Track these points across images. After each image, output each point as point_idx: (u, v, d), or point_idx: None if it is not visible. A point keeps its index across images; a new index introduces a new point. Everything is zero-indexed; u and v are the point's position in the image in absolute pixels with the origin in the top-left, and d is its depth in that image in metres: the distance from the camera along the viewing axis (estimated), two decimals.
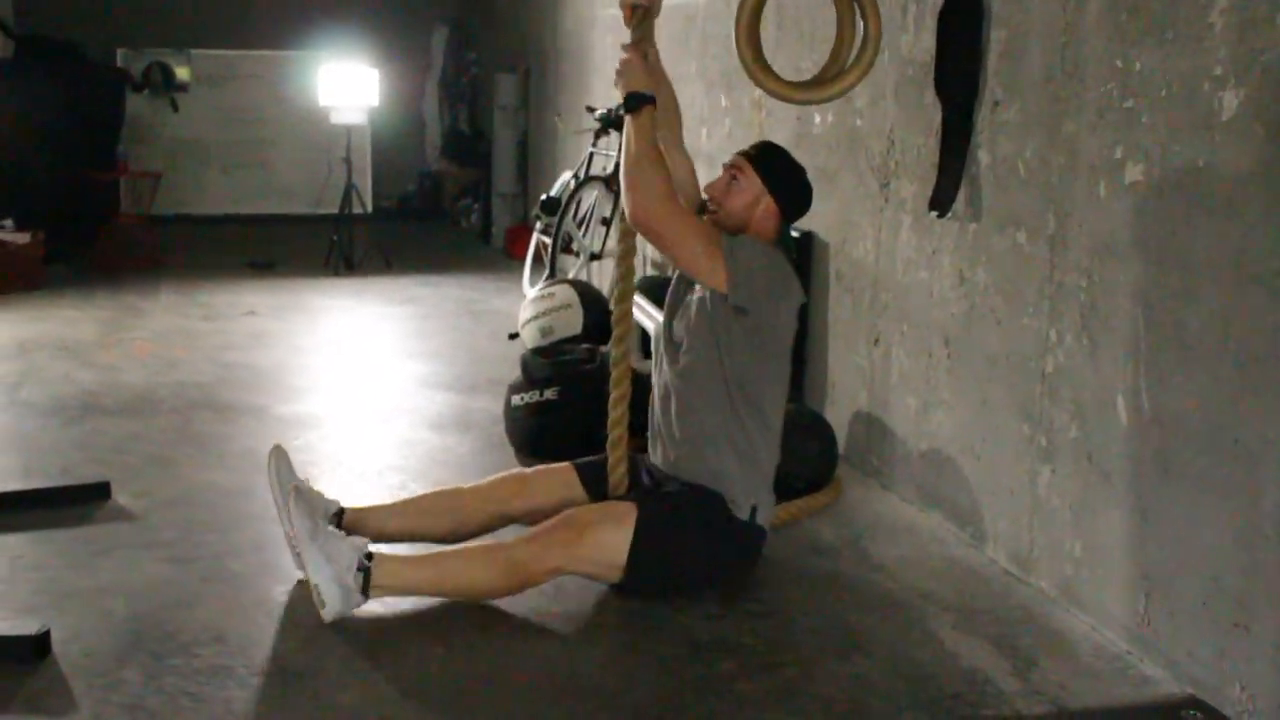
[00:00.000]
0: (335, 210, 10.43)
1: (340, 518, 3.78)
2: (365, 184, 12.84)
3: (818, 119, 5.20)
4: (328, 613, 3.42)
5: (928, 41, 4.28)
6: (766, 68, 3.47)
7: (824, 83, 3.54)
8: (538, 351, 5.44)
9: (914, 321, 4.51)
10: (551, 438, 4.96)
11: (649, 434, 3.89)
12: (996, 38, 3.97)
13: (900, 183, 4.58)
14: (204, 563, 3.91)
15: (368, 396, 6.11)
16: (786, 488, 4.46)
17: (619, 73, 3.66)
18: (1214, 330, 3.06)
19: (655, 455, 3.85)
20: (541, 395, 5.04)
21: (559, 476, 3.91)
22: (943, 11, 4.16)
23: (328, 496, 3.81)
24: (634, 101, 3.58)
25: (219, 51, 13.35)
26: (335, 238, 10.12)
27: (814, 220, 5.25)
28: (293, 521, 3.49)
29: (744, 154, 3.75)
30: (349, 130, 10.46)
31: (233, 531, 4.15)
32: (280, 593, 3.67)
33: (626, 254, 3.81)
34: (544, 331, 6.44)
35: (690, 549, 3.63)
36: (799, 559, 4.04)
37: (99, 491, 4.49)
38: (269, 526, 4.16)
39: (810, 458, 4.57)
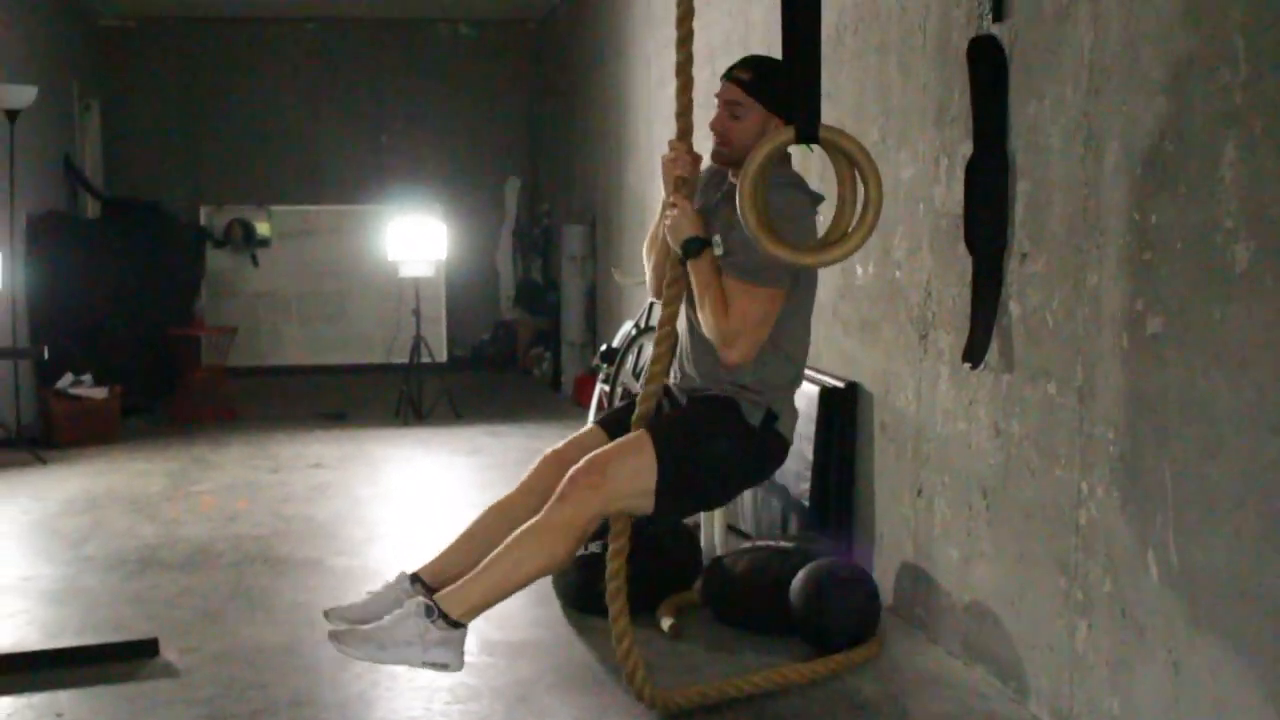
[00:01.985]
0: (406, 360, 10.61)
1: (419, 582, 3.84)
2: (439, 334, 13.06)
3: (860, 270, 5.24)
4: (454, 669, 3.59)
5: (959, 193, 4.32)
6: (773, 234, 3.51)
7: (828, 245, 3.59)
8: None
9: (954, 472, 4.49)
10: (598, 592, 4.93)
11: (676, 362, 3.99)
12: (1021, 190, 4.00)
13: (938, 333, 4.60)
14: None
15: (422, 548, 6.13)
16: (826, 643, 4.43)
17: (670, 226, 3.78)
18: (1238, 484, 3.02)
19: (675, 377, 3.95)
20: (586, 549, 5.03)
21: (591, 440, 3.96)
22: (970, 164, 4.21)
23: (389, 580, 3.89)
24: (694, 246, 3.71)
25: (298, 207, 13.75)
26: (404, 389, 10.28)
27: (859, 370, 5.28)
28: (358, 659, 3.57)
29: (736, 81, 3.76)
30: (417, 283, 10.68)
31: (272, 687, 4.18)
32: None
33: (648, 397, 3.86)
34: None
35: (710, 452, 3.75)
36: (836, 718, 3.98)
37: (147, 648, 4.55)
38: (308, 681, 4.21)
39: (851, 612, 4.51)
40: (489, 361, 14.11)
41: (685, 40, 3.77)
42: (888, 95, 4.99)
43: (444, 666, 3.54)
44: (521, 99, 14.55)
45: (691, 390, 3.90)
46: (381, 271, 12.24)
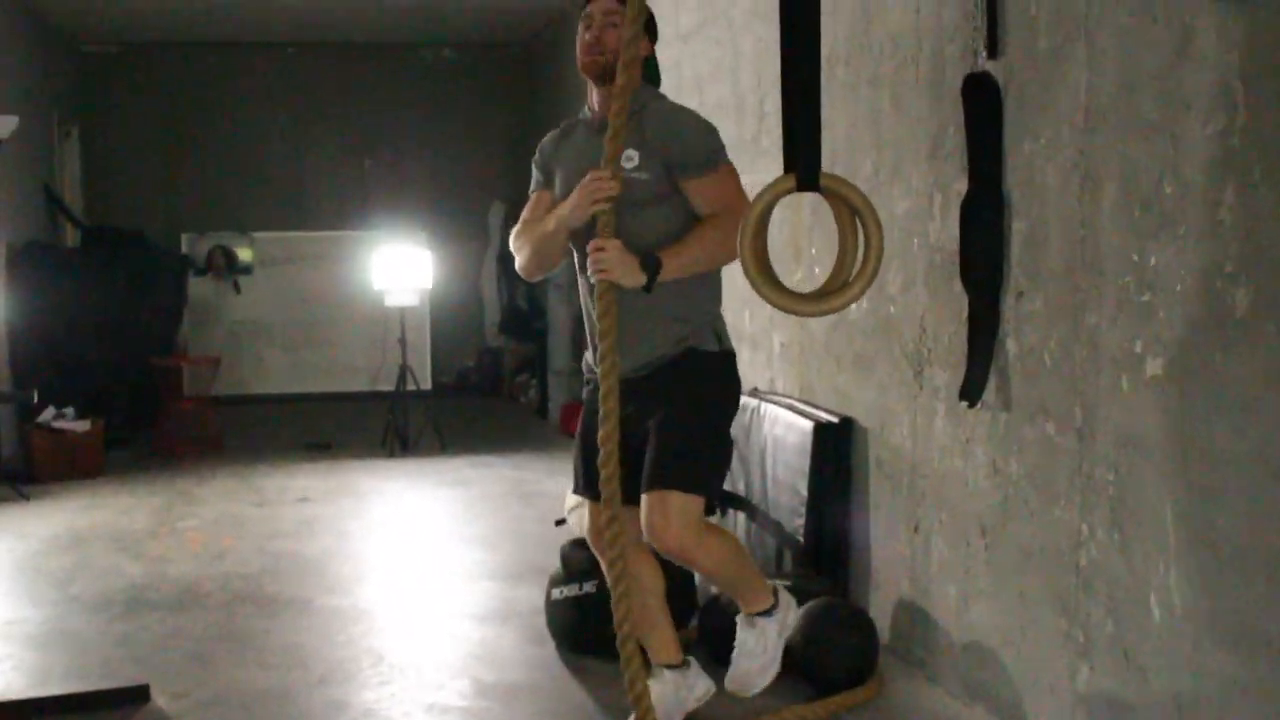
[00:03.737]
0: (392, 388, 10.53)
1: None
2: (424, 361, 12.98)
3: (853, 305, 5.21)
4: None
5: (954, 228, 4.30)
6: (773, 282, 3.48)
7: (829, 294, 3.56)
8: (577, 543, 5.40)
9: (951, 510, 4.46)
10: (592, 631, 4.89)
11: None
12: (1018, 228, 3.99)
13: (933, 369, 4.57)
14: None
15: (411, 586, 6.10)
16: (824, 682, 4.39)
17: (615, 269, 3.64)
18: (1241, 529, 3.00)
19: (624, 363, 3.75)
20: (580, 589, 4.99)
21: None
22: (966, 200, 4.19)
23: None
24: (652, 265, 3.67)
25: (280, 233, 13.68)
26: (390, 419, 10.20)
27: (852, 405, 5.25)
28: (766, 684, 4.03)
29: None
30: (403, 312, 10.61)
31: None
32: None
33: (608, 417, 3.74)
34: None
35: (712, 426, 3.85)
36: None
37: (138, 694, 4.49)
38: None
39: (849, 652, 4.48)
40: (474, 388, 14.06)
41: (630, 64, 3.69)
42: (880, 128, 4.97)
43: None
44: (505, 124, 14.52)
45: (646, 369, 3.80)
46: (366, 298, 12.16)
